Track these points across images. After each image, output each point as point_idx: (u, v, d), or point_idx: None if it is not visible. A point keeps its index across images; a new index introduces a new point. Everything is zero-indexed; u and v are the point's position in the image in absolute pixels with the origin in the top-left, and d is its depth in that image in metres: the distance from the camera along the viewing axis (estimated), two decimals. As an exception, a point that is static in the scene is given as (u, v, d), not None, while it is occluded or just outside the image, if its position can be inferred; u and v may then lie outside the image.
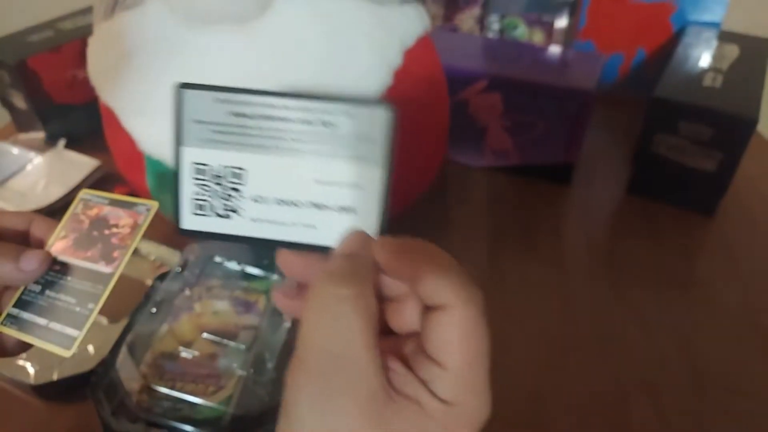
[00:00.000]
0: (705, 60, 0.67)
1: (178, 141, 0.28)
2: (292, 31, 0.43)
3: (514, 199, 0.66)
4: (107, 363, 0.42)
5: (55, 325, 0.31)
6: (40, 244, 0.33)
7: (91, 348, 0.48)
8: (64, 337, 0.30)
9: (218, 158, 0.27)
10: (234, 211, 0.27)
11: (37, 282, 0.32)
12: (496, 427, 0.43)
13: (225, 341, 0.43)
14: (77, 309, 0.31)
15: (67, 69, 0.73)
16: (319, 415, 0.21)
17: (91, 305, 0.31)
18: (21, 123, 0.76)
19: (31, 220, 0.34)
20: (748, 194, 0.66)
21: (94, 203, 0.34)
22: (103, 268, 0.32)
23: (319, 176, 0.27)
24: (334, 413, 0.21)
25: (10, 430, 0.44)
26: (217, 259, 0.50)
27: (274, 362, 0.42)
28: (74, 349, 0.30)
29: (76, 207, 0.34)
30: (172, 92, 0.28)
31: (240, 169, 0.27)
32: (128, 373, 0.41)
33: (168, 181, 0.46)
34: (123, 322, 0.47)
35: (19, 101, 0.72)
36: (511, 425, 0.44)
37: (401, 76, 0.46)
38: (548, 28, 0.74)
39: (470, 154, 0.70)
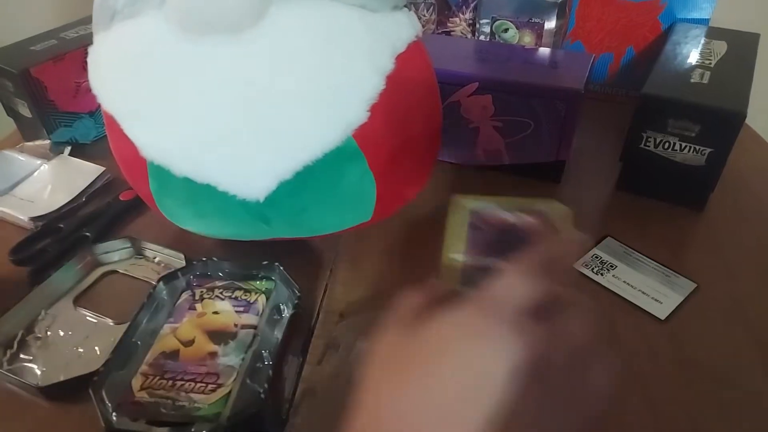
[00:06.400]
0: (693, 57, 0.68)
1: None
2: (286, 39, 0.44)
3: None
4: (109, 362, 0.43)
5: None
6: None
7: (97, 349, 0.49)
8: None
9: None
10: None
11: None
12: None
13: (225, 340, 0.45)
14: None
15: (71, 77, 0.74)
16: None
17: None
18: (26, 131, 0.77)
19: None
20: (737, 188, 0.67)
21: (485, 207, 0.34)
22: None
23: None
24: None
25: (17, 430, 0.45)
26: (219, 260, 0.52)
27: (271, 360, 0.43)
28: None
29: (470, 215, 0.33)
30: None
31: None
32: (130, 372, 0.43)
33: (170, 186, 0.48)
34: (128, 323, 0.48)
35: (24, 109, 0.73)
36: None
37: (394, 80, 0.47)
38: (538, 30, 0.75)
39: (463, 154, 0.71)
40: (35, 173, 0.70)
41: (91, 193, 0.67)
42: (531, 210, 0.33)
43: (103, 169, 0.68)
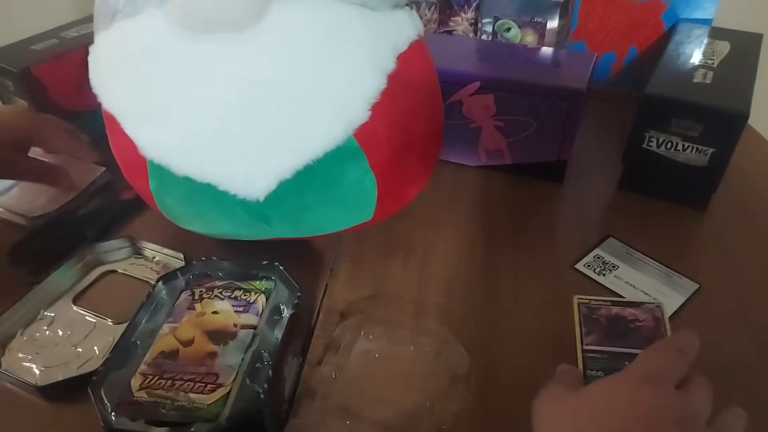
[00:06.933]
0: (696, 56, 0.68)
1: None
2: (287, 38, 0.44)
3: (508, 197, 0.67)
4: (108, 362, 0.43)
5: None
6: None
7: (96, 349, 0.49)
8: None
9: None
10: None
11: (595, 370, 0.39)
12: (489, 416, 0.45)
13: (224, 340, 0.45)
14: None
15: (72, 77, 0.74)
16: None
17: None
18: (26, 130, 0.77)
19: None
20: (740, 188, 0.67)
21: (595, 306, 0.42)
22: None
23: None
24: None
25: (15, 430, 0.45)
26: (218, 259, 0.51)
27: (271, 360, 0.43)
28: None
29: (579, 311, 0.42)
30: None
31: None
32: (129, 372, 0.42)
33: (170, 185, 0.48)
34: (127, 323, 0.48)
35: (25, 109, 0.73)
36: (505, 415, 0.45)
37: (395, 79, 0.46)
38: (540, 30, 0.75)
39: (464, 154, 0.71)
40: None
41: (90, 192, 0.67)
42: (635, 304, 0.40)
43: (103, 169, 0.68)
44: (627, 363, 0.35)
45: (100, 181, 0.67)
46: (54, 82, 0.72)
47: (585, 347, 0.39)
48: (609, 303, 0.41)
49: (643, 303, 0.40)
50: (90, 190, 0.66)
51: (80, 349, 0.49)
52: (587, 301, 0.41)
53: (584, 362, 0.39)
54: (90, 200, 0.66)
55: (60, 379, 0.46)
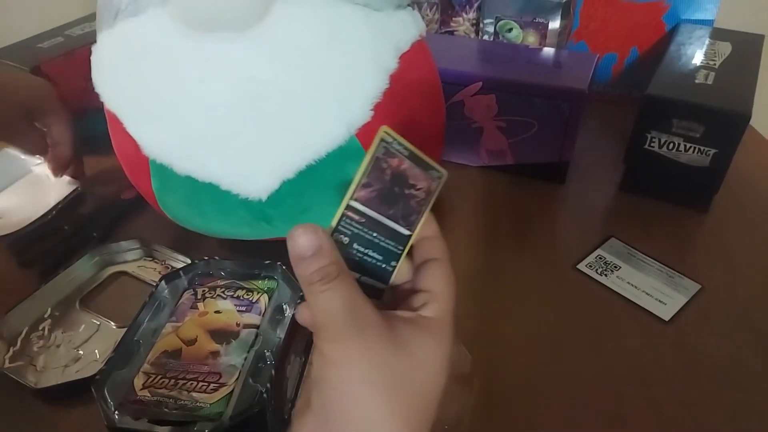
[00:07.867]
0: (698, 57, 0.68)
1: None
2: (290, 37, 0.44)
3: (510, 197, 0.67)
4: (111, 361, 0.43)
5: (367, 280, 0.30)
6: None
7: (97, 352, 0.49)
8: (375, 291, 0.31)
9: None
10: None
11: (345, 235, 0.30)
12: (491, 417, 0.45)
13: (227, 339, 0.45)
14: (382, 266, 0.30)
15: (80, 74, 0.73)
16: None
17: (393, 263, 0.31)
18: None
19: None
20: (741, 189, 0.67)
21: (395, 151, 0.30)
22: (402, 229, 0.31)
23: None
24: None
25: (16, 429, 0.45)
26: (220, 259, 0.51)
27: (274, 360, 0.43)
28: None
29: (377, 150, 0.30)
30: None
31: None
32: (132, 371, 0.42)
33: (172, 184, 0.48)
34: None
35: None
36: (505, 416, 0.45)
37: (397, 79, 0.47)
38: (542, 30, 0.75)
39: (466, 155, 0.71)
40: (11, 186, 0.68)
41: (60, 208, 0.63)
42: (426, 166, 0.32)
43: (76, 185, 0.65)
44: (377, 236, 0.30)
45: (69, 198, 0.64)
46: (63, 79, 0.72)
47: (353, 200, 0.30)
48: (407, 153, 0.31)
49: (432, 168, 0.32)
50: (60, 206, 0.63)
51: (81, 352, 0.49)
52: (392, 140, 0.31)
53: (340, 218, 0.30)
54: (60, 214, 0.63)
55: (58, 382, 0.46)
